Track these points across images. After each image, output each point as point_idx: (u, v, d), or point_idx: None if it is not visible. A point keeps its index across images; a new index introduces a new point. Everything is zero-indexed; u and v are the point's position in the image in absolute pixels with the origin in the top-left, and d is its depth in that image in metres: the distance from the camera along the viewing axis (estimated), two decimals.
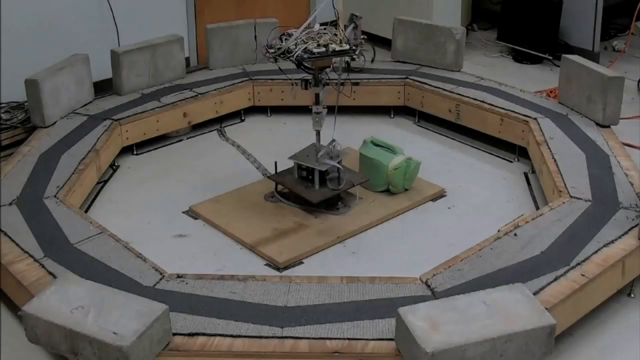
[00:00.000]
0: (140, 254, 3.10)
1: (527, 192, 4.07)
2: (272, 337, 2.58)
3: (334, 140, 3.80)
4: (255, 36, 5.24)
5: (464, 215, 3.83)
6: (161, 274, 2.96)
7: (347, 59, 3.85)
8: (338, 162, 3.76)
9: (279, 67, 3.73)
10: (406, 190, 3.96)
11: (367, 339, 2.57)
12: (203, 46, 5.53)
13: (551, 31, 5.90)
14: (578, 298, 2.84)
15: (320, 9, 3.54)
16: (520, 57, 6.14)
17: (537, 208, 3.80)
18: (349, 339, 2.57)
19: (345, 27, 3.65)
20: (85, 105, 4.59)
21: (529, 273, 2.89)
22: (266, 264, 3.42)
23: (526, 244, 3.09)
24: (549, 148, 3.95)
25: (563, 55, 4.66)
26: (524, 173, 4.29)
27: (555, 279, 2.85)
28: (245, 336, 2.58)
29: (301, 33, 3.49)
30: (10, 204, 3.45)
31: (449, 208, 3.92)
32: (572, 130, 4.19)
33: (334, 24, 3.63)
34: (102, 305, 2.54)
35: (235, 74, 5.07)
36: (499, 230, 3.28)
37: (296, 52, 3.42)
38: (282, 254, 3.43)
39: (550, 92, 5.20)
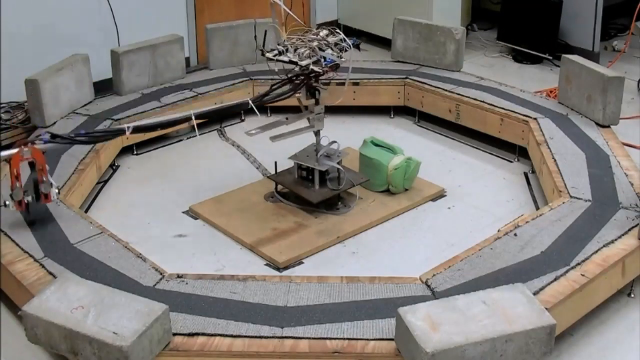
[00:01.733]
0: (140, 254, 3.10)
1: (527, 192, 4.07)
2: (272, 337, 2.58)
3: (334, 142, 3.81)
4: (255, 36, 5.20)
5: (464, 215, 3.83)
6: (161, 274, 2.96)
7: None
8: (338, 162, 3.76)
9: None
10: (406, 190, 3.96)
11: (367, 339, 2.57)
12: (203, 46, 5.53)
13: (551, 31, 5.90)
14: (578, 298, 2.84)
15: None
16: (520, 57, 6.13)
17: (537, 208, 3.80)
18: (349, 339, 2.57)
19: None
20: (85, 105, 4.58)
21: (529, 273, 2.89)
22: (266, 264, 3.42)
23: (526, 244, 3.09)
24: (549, 148, 3.95)
25: (563, 55, 4.66)
26: (524, 173, 4.29)
27: (555, 279, 2.85)
28: (245, 336, 2.58)
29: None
30: None
31: (449, 208, 3.92)
32: (572, 130, 4.19)
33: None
34: (102, 305, 2.54)
35: (235, 74, 5.07)
36: (499, 230, 3.28)
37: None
38: (282, 254, 3.43)
39: (550, 92, 5.20)
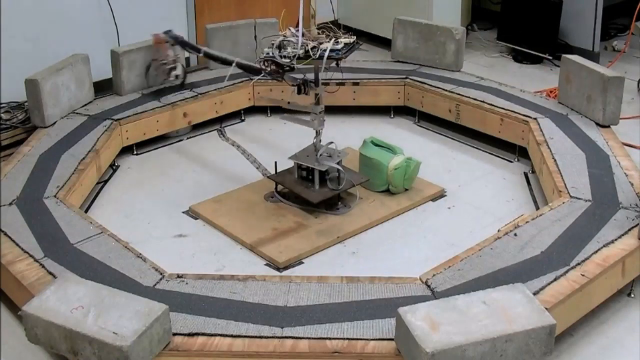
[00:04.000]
0: (140, 254, 3.10)
1: (527, 192, 4.07)
2: (272, 337, 2.58)
3: (331, 142, 3.81)
4: (255, 36, 5.24)
5: (464, 215, 3.83)
6: (161, 274, 2.96)
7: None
8: (338, 162, 3.76)
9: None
10: (406, 190, 3.96)
11: (367, 339, 2.57)
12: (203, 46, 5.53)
13: (551, 31, 5.90)
14: (578, 298, 2.84)
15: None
16: (520, 57, 6.13)
17: (537, 208, 3.80)
18: (349, 339, 2.57)
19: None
20: (85, 105, 4.58)
21: (529, 273, 2.89)
22: (266, 264, 3.42)
23: (526, 244, 3.09)
24: (549, 148, 3.95)
25: (563, 55, 4.66)
26: (524, 173, 4.29)
27: (555, 279, 2.85)
28: (245, 336, 2.58)
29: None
30: (10, 204, 3.45)
31: (449, 208, 3.92)
32: (572, 130, 4.19)
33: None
34: (102, 305, 2.54)
35: (235, 74, 5.06)
36: (499, 230, 3.28)
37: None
38: (282, 254, 3.43)
39: (550, 92, 5.20)
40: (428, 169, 4.13)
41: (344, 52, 3.50)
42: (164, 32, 4.57)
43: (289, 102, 3.76)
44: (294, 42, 3.43)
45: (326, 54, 3.43)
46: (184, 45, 4.56)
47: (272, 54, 3.45)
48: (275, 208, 3.83)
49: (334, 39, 3.51)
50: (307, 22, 5.97)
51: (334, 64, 3.58)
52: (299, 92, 3.61)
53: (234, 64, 3.83)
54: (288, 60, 3.44)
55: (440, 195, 4.02)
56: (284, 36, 3.49)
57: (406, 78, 4.97)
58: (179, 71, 4.71)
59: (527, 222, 3.27)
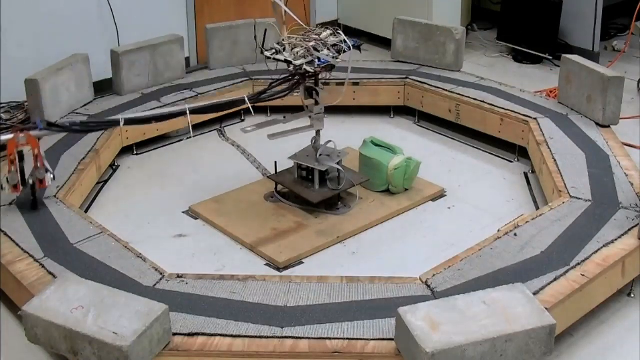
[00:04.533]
0: (140, 254, 3.10)
1: (527, 192, 4.08)
2: (272, 337, 2.58)
3: (329, 141, 3.81)
4: (255, 36, 5.21)
5: (464, 215, 3.83)
6: (161, 274, 2.96)
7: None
8: (338, 162, 3.76)
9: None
10: (406, 190, 3.96)
11: (367, 339, 2.57)
12: (203, 46, 5.53)
13: (551, 31, 5.90)
14: (578, 298, 2.84)
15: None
16: (520, 57, 6.13)
17: (537, 208, 3.80)
18: (349, 339, 2.57)
19: None
20: (85, 105, 4.58)
21: (529, 273, 2.89)
22: (266, 264, 3.43)
23: (526, 244, 3.09)
24: (549, 148, 3.95)
25: (563, 55, 4.66)
26: (524, 173, 4.29)
27: (555, 279, 2.85)
28: (245, 336, 2.58)
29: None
30: (10, 204, 3.45)
31: (449, 208, 3.92)
32: (572, 130, 4.19)
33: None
34: (102, 305, 2.54)
35: (235, 74, 5.07)
36: (499, 230, 3.28)
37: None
38: (282, 254, 3.43)
39: (550, 92, 5.20)
40: (428, 169, 4.13)
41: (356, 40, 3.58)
42: (21, 129, 3.23)
43: (284, 117, 3.76)
44: (317, 44, 3.44)
45: (351, 44, 3.47)
46: (85, 127, 3.48)
47: (324, 59, 3.42)
48: (275, 208, 3.83)
49: (328, 33, 3.53)
50: (307, 21, 5.96)
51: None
52: (308, 96, 3.62)
53: (188, 113, 3.33)
54: (340, 61, 3.47)
55: (440, 195, 4.02)
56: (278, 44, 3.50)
57: (406, 78, 4.97)
58: (48, 166, 3.37)
59: (527, 222, 3.27)
